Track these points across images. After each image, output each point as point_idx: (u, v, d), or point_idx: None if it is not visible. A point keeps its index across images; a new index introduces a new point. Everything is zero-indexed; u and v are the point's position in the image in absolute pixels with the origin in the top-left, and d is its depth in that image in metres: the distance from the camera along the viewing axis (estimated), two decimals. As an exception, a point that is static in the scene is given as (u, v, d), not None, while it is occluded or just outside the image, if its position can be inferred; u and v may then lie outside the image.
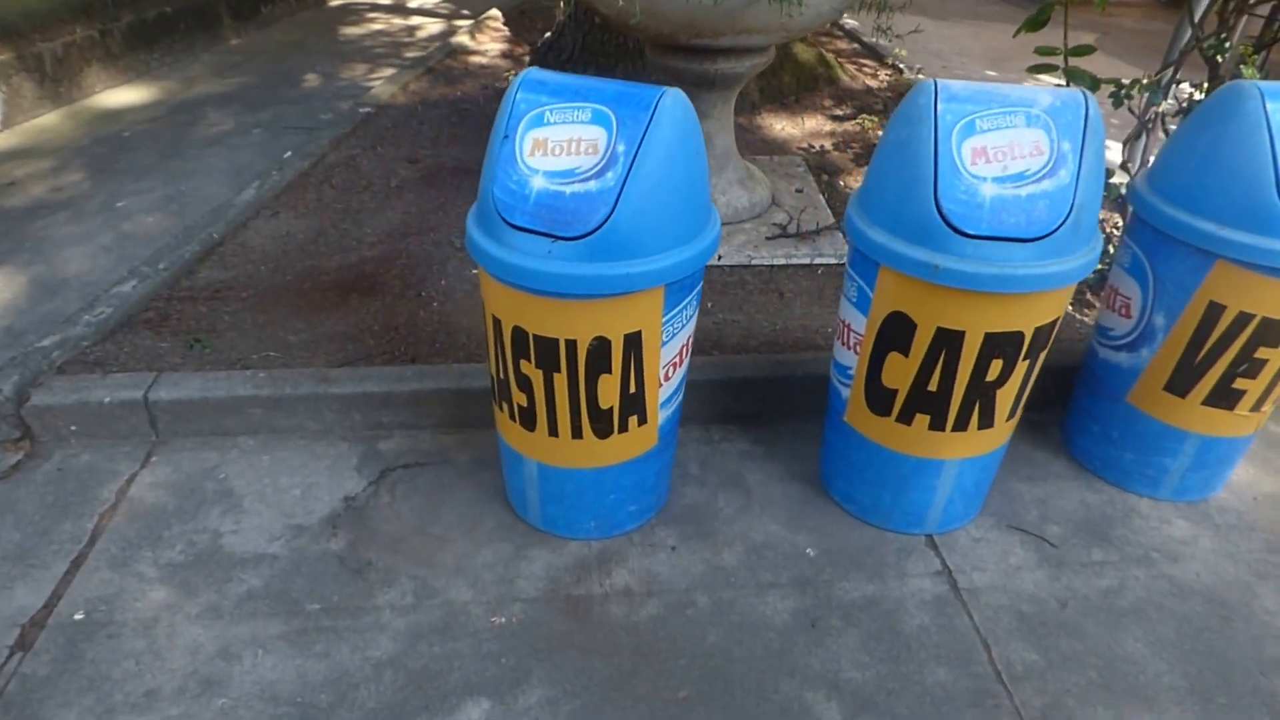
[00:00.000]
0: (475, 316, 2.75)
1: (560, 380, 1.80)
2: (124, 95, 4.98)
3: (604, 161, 1.59)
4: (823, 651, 1.86)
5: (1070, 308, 2.94)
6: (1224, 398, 2.06)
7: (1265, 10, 2.80)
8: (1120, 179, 3.11)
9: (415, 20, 7.06)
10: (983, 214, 1.64)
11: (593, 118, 1.61)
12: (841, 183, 3.78)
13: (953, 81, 1.73)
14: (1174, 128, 3.03)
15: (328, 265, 3.07)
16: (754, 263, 3.11)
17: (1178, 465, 2.20)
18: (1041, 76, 2.83)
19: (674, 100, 1.61)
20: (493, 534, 2.12)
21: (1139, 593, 2.02)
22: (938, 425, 1.92)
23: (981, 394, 1.86)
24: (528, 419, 1.91)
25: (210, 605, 1.90)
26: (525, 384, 1.85)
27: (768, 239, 3.20)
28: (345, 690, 1.73)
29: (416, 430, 2.43)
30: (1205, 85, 2.84)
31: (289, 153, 3.91)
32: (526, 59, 5.45)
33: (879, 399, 1.95)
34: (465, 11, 7.34)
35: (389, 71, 5.45)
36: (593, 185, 1.59)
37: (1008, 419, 1.95)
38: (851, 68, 5.30)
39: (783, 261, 3.12)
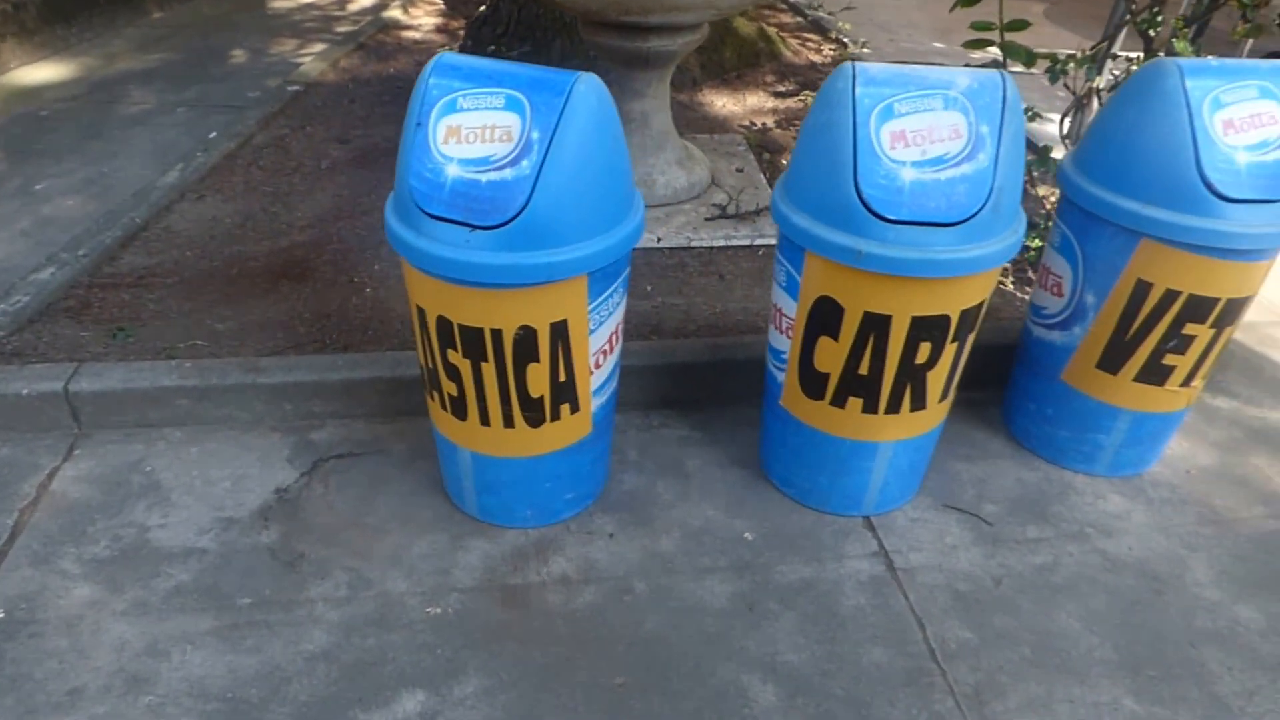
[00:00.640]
0: (409, 303, 2.68)
1: (488, 370, 1.76)
2: (41, 72, 4.77)
3: (519, 149, 1.54)
4: (760, 635, 1.85)
5: (1012, 286, 2.96)
6: (1155, 374, 2.09)
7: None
8: (1061, 154, 3.13)
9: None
10: (903, 199, 1.63)
11: (506, 104, 1.56)
12: (783, 161, 3.75)
13: (871, 64, 1.70)
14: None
15: (256, 250, 2.97)
16: (693, 244, 3.08)
17: (1112, 441, 2.23)
18: (975, 54, 2.82)
19: (588, 85, 1.56)
20: (429, 524, 2.08)
21: (1073, 568, 2.05)
22: (870, 408, 1.92)
23: (912, 376, 1.86)
24: (459, 408, 1.87)
25: (137, 601, 1.84)
26: (454, 374, 1.80)
27: (707, 220, 3.17)
28: (277, 684, 1.69)
29: (350, 420, 2.37)
30: (1141, 59, 2.86)
31: (214, 133, 3.78)
32: (462, 33, 5.32)
33: (812, 383, 1.94)
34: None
35: (320, 47, 5.28)
36: (508, 173, 1.54)
37: (940, 400, 1.96)
38: (795, 42, 5.27)
39: (722, 243, 3.09)
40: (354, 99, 4.30)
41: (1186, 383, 2.11)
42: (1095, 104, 3.18)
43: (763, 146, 3.87)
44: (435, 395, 1.90)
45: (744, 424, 2.43)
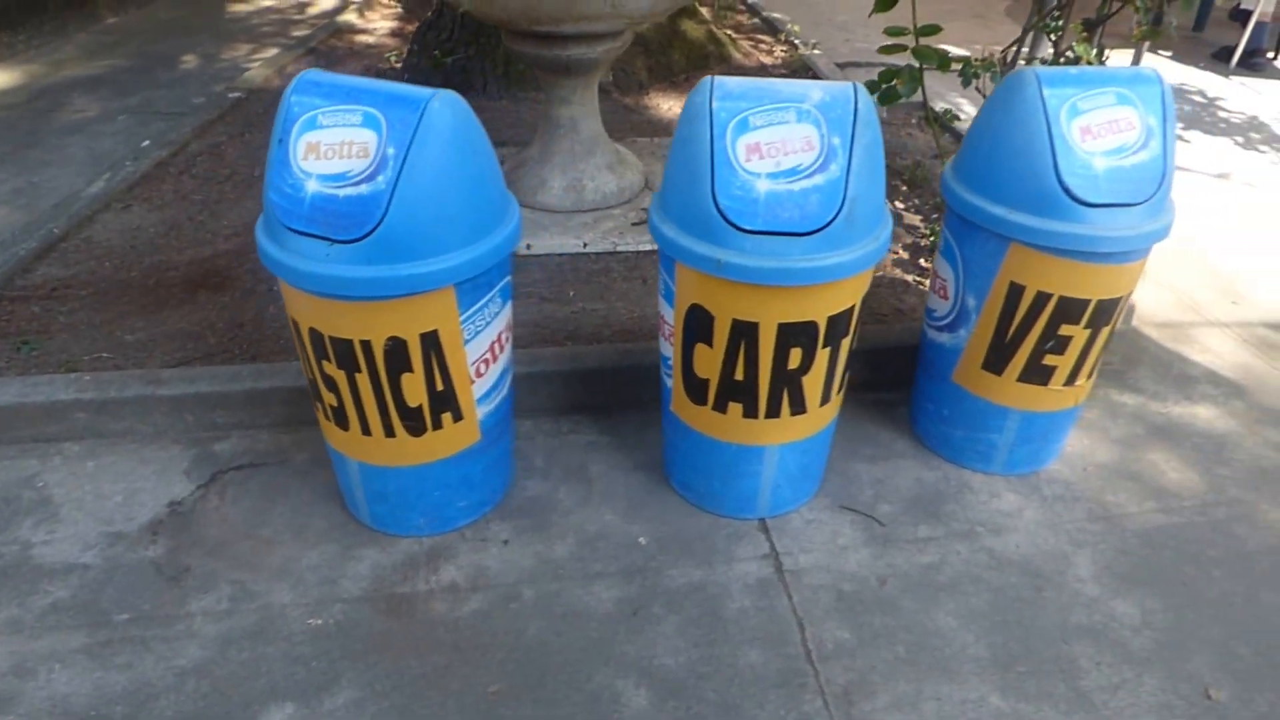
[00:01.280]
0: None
1: (363, 380, 1.78)
2: (-15, 81, 4.76)
3: (375, 164, 1.56)
4: (640, 639, 1.88)
5: (927, 288, 2.99)
6: (1037, 374, 2.12)
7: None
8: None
9: (308, -4, 6.85)
10: (758, 209, 1.65)
11: (364, 121, 1.58)
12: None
13: (729, 78, 1.73)
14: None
15: (178, 260, 2.98)
16: (619, 249, 3.10)
17: (1004, 440, 2.26)
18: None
19: (443, 102, 1.58)
20: (323, 534, 2.10)
21: (958, 567, 2.08)
22: (751, 413, 1.94)
23: (787, 382, 1.88)
24: (340, 418, 1.89)
25: (10, 620, 1.85)
26: (331, 384, 1.82)
27: (634, 225, 3.19)
28: (143, 701, 1.70)
29: (255, 430, 2.39)
30: (1049, 61, 2.89)
31: (147, 141, 3.78)
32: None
33: (695, 389, 1.97)
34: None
35: (273, 52, 5.28)
36: (364, 188, 1.56)
37: (821, 404, 1.98)
38: (747, 44, 5.29)
39: (649, 247, 3.11)
40: (292, 106, 4.30)
41: (1070, 382, 2.14)
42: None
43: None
44: (319, 405, 1.92)
45: (652, 428, 2.46)
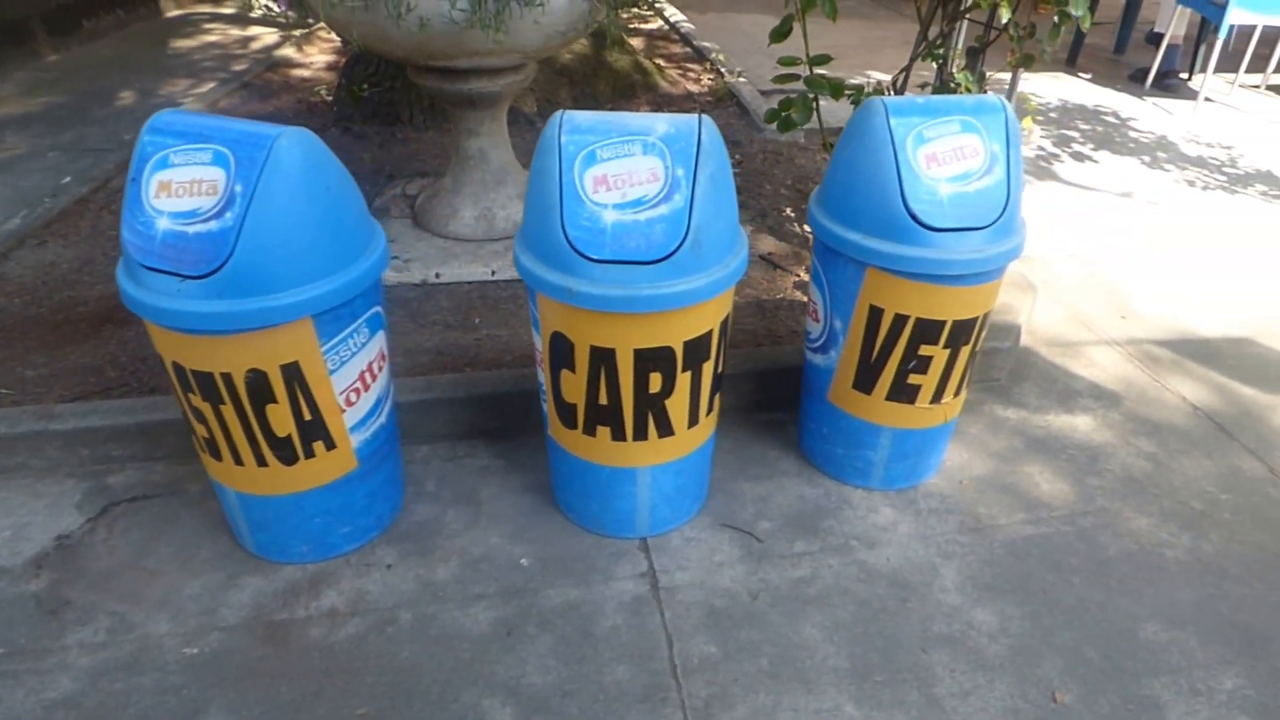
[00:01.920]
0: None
1: (228, 411, 1.83)
2: (-85, 120, 4.77)
3: (223, 201, 1.62)
4: (511, 658, 1.92)
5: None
6: (904, 393, 2.20)
7: (982, 16, 2.98)
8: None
9: (254, 30, 6.91)
10: (606, 239, 1.72)
11: (213, 159, 1.64)
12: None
13: (579, 113, 1.80)
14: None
15: (88, 295, 3.01)
16: (527, 275, 3.16)
17: (879, 457, 2.34)
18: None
19: (291, 140, 1.64)
20: (208, 563, 2.13)
21: (829, 580, 2.14)
22: (619, 436, 2.00)
23: (650, 405, 1.95)
24: (213, 449, 1.93)
25: (-118, 659, 1.86)
26: (200, 416, 1.87)
27: (542, 250, 3.25)
28: (8, 735, 1.72)
29: (150, 462, 2.42)
30: (931, 88, 3.00)
31: (68, 178, 3.81)
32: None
33: (565, 413, 2.03)
34: (311, 21, 7.20)
35: (209, 86, 5.33)
36: (213, 225, 1.62)
37: (689, 427, 2.05)
38: (675, 72, 5.41)
39: (556, 272, 3.17)
40: (219, 140, 4.34)
41: (936, 400, 2.22)
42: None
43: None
44: (193, 437, 1.96)
45: (544, 452, 2.50)
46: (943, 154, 1.95)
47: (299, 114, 4.70)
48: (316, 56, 5.87)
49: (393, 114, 4.40)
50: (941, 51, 2.86)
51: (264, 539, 2.09)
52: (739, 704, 1.84)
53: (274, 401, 1.82)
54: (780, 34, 3.11)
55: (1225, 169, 4.72)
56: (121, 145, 4.34)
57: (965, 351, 2.15)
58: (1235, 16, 5.24)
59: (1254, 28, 5.62)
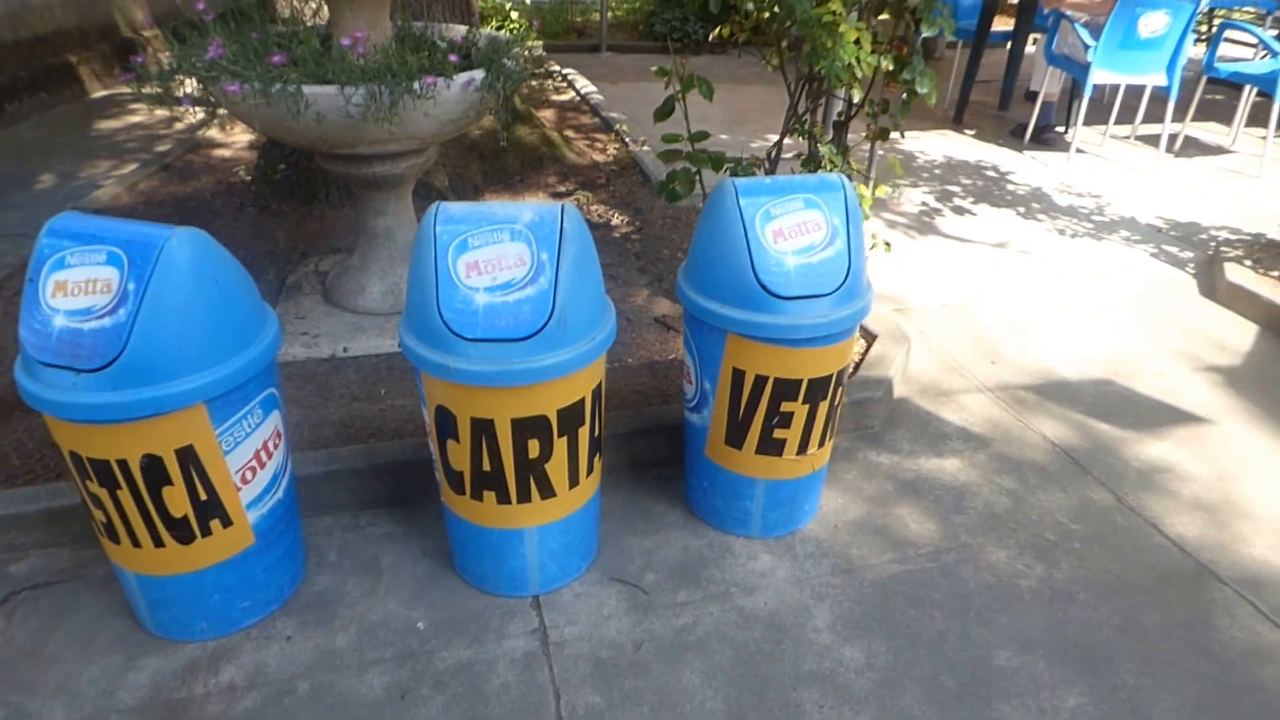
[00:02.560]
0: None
1: (125, 496, 1.92)
2: None
3: (116, 299, 1.74)
4: (405, 721, 2.02)
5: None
6: (771, 446, 2.38)
7: (843, 93, 3.26)
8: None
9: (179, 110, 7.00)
10: (478, 320, 1.89)
11: (108, 259, 1.77)
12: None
13: (453, 204, 1.98)
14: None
15: (-4, 384, 3.06)
16: (433, 346, 3.30)
17: (756, 507, 2.51)
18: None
19: (182, 239, 1.78)
20: (108, 647, 2.19)
21: (709, 627, 2.29)
22: (504, 500, 2.14)
23: (531, 470, 2.09)
24: (111, 533, 2.01)
25: None
26: (97, 501, 1.96)
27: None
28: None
29: (55, 548, 2.47)
30: (802, 160, 3.27)
31: (-23, 267, 3.86)
32: (270, 149, 5.53)
33: (454, 480, 2.16)
34: (222, 111, 7.33)
35: (130, 168, 5.41)
36: (107, 321, 1.74)
37: (571, 488, 2.20)
38: (583, 144, 5.66)
39: (462, 343, 3.32)
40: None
41: (803, 451, 2.41)
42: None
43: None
44: (93, 522, 2.05)
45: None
46: (788, 229, 2.17)
47: (217, 194, 4.82)
48: (239, 136, 5.99)
49: (309, 192, 4.54)
50: (808, 127, 3.12)
51: (164, 618, 2.16)
52: (620, 749, 1.96)
53: (170, 484, 1.92)
54: (664, 113, 3.36)
55: (1093, 217, 5.12)
56: (38, 231, 4.38)
57: (824, 406, 2.35)
58: (1098, 77, 5.74)
59: (1118, 86, 6.13)
